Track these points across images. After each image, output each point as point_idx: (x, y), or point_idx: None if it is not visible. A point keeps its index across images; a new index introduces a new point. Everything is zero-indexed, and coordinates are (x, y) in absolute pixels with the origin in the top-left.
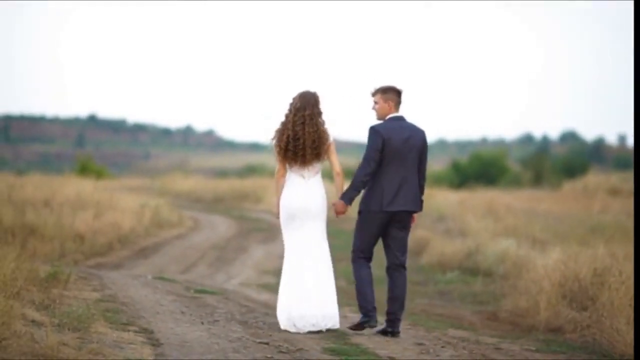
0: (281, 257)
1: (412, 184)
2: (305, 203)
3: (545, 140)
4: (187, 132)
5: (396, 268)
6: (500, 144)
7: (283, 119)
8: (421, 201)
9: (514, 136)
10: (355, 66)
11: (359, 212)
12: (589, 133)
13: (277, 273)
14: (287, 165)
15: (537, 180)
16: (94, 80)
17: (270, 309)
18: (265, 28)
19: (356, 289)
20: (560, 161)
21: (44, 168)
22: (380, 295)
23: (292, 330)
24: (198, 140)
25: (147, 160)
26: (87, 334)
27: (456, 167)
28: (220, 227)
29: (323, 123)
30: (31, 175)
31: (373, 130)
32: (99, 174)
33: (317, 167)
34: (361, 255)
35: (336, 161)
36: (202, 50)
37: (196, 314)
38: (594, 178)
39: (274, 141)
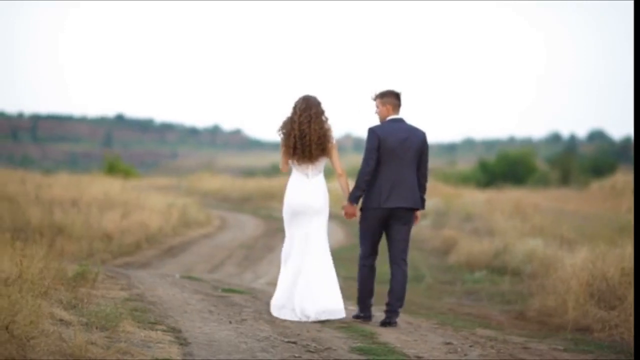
0: None
1: (410, 183)
2: (308, 200)
3: (573, 139)
4: (215, 131)
5: (396, 262)
6: (528, 143)
7: (287, 120)
8: (423, 200)
9: (541, 135)
10: (380, 66)
11: (360, 210)
12: (617, 132)
13: None
14: (293, 164)
15: (565, 179)
16: (121, 79)
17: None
18: (293, 28)
19: (358, 284)
20: (588, 160)
21: (71, 168)
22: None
23: (287, 318)
24: (225, 140)
25: (175, 160)
26: (114, 333)
27: (483, 167)
28: (248, 226)
29: (327, 121)
30: (59, 175)
31: (370, 131)
32: (126, 174)
33: (321, 166)
34: (366, 251)
35: (338, 163)
36: (230, 50)
37: (224, 313)
38: (622, 177)
39: (281, 141)
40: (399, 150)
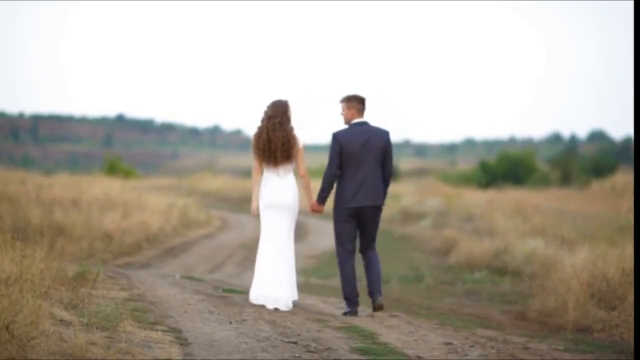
0: (309, 256)
1: (374, 181)
2: (280, 197)
3: (573, 140)
4: (215, 131)
5: (367, 250)
6: (529, 143)
7: (260, 124)
8: (385, 193)
9: (542, 135)
10: (381, 66)
11: (333, 209)
12: (617, 132)
13: (305, 273)
14: (264, 165)
15: (565, 179)
16: (122, 79)
17: (298, 308)
18: (293, 28)
19: (341, 280)
20: (588, 160)
21: (72, 168)
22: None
23: (262, 303)
24: (226, 140)
25: (175, 160)
26: (115, 333)
27: (484, 167)
28: (248, 226)
29: (292, 129)
30: (59, 175)
31: (333, 137)
32: (127, 174)
33: (290, 167)
34: (342, 248)
35: (302, 165)
36: (230, 50)
37: (224, 313)
38: (623, 177)
39: (253, 143)
40: (361, 153)
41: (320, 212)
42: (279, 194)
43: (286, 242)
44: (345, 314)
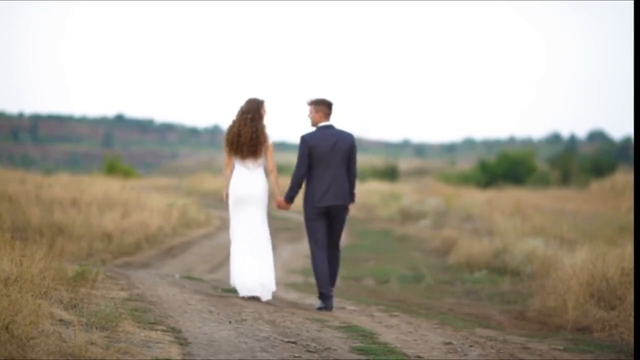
0: (308, 256)
1: (341, 182)
2: (248, 190)
3: (573, 140)
4: (215, 131)
5: (331, 246)
6: (528, 143)
7: (234, 118)
8: (352, 194)
9: (541, 135)
10: (381, 66)
11: (304, 208)
12: (617, 132)
13: (305, 272)
14: (234, 158)
15: (565, 179)
16: (121, 79)
17: (298, 308)
18: (293, 28)
19: (315, 278)
20: (588, 160)
21: (71, 168)
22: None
23: (244, 294)
24: None
25: (175, 160)
26: (114, 333)
27: (484, 167)
28: None
29: (263, 127)
30: (59, 175)
31: (301, 139)
32: (126, 174)
33: (259, 161)
34: (315, 244)
35: (271, 161)
36: (230, 50)
37: (224, 313)
38: (622, 177)
39: (225, 136)
40: (329, 155)
41: (286, 209)
42: (248, 186)
43: (259, 230)
44: (319, 308)
